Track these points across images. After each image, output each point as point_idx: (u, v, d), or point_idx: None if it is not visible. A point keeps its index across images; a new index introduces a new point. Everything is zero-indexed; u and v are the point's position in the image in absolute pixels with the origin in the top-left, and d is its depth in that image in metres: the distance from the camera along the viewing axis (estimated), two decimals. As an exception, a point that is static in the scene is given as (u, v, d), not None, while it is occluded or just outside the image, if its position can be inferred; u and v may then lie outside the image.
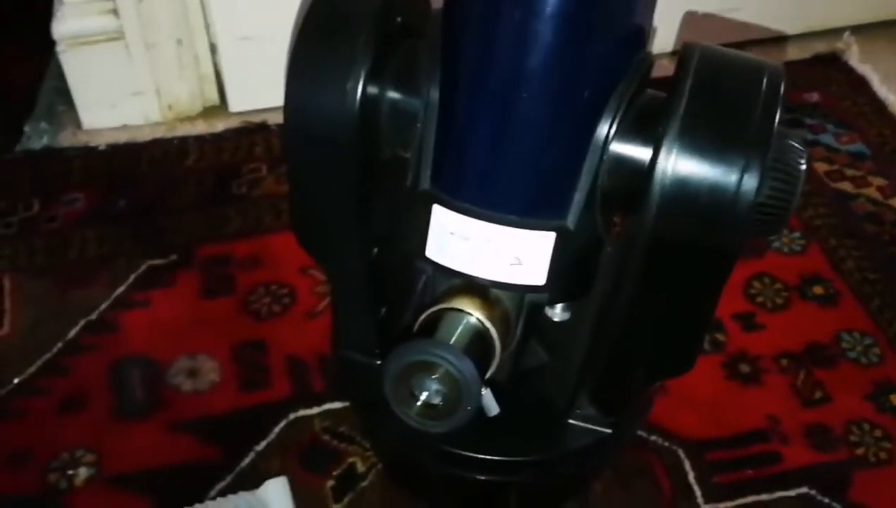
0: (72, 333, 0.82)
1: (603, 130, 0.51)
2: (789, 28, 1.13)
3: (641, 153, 0.51)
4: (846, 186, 0.97)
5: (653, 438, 0.75)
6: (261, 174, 0.97)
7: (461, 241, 0.53)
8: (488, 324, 0.52)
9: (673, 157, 0.48)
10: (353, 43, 0.52)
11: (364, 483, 0.72)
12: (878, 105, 1.06)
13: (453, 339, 0.50)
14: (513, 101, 0.51)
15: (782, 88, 0.49)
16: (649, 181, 0.48)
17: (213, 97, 1.04)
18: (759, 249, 0.90)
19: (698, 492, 0.72)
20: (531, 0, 0.48)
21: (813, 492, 0.72)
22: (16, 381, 0.78)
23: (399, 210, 0.57)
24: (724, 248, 0.50)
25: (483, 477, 0.63)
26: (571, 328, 0.62)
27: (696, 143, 0.48)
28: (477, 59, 0.51)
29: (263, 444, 0.74)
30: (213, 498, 0.69)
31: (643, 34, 0.53)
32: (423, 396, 0.49)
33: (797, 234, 0.91)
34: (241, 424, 0.76)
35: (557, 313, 0.61)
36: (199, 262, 0.88)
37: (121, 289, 0.85)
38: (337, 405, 0.77)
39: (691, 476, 0.72)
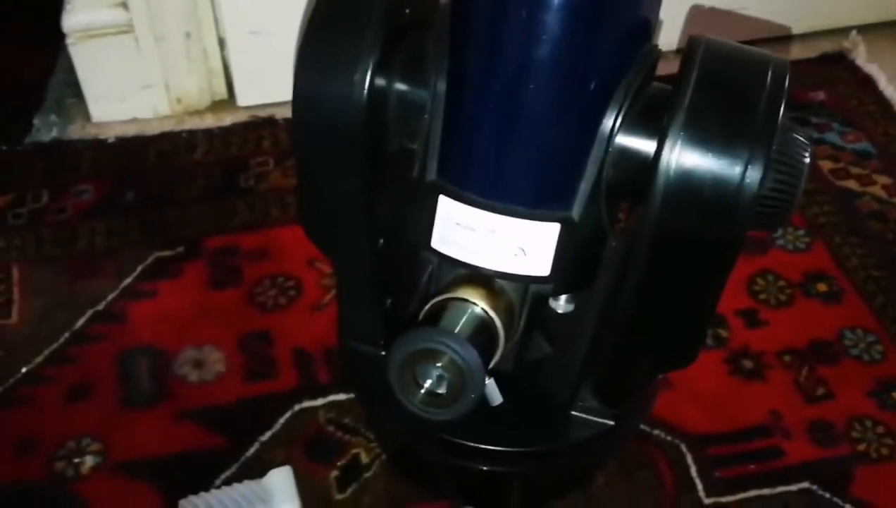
0: (79, 323, 0.83)
1: (608, 121, 0.52)
2: (796, 27, 1.13)
3: (646, 145, 0.51)
4: (851, 185, 0.97)
5: (655, 432, 0.75)
6: (268, 168, 0.98)
7: (466, 231, 0.53)
8: (492, 314, 0.53)
9: (677, 149, 0.48)
10: (361, 35, 0.53)
11: (368, 474, 0.72)
12: (885, 104, 1.06)
13: (458, 328, 0.51)
14: (519, 92, 0.51)
15: (787, 82, 0.50)
16: (653, 173, 0.49)
17: (222, 91, 1.05)
18: (763, 245, 0.90)
19: (700, 486, 0.72)
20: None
21: (814, 487, 0.72)
22: (24, 370, 0.79)
23: (405, 201, 0.58)
24: (727, 240, 0.50)
25: (486, 468, 0.64)
26: (575, 320, 0.63)
27: (701, 135, 0.48)
28: (484, 51, 0.52)
29: (268, 434, 0.75)
30: (218, 487, 0.69)
31: (649, 27, 0.54)
32: (427, 384, 0.49)
33: (801, 231, 0.91)
34: (246, 414, 0.76)
35: (561, 304, 0.62)
36: (207, 254, 0.89)
37: (128, 280, 0.86)
38: (342, 396, 0.77)
39: (693, 470, 0.73)
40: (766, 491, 0.72)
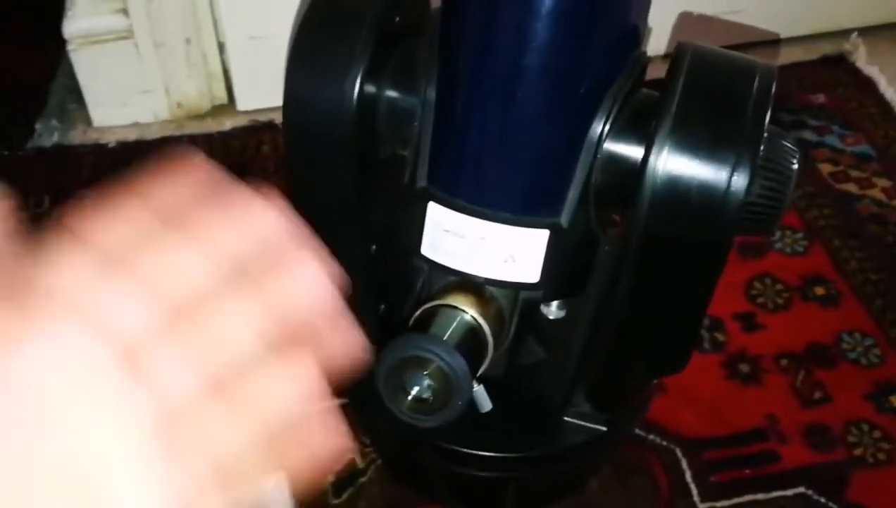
0: (79, 327, 0.83)
1: (597, 128, 0.52)
2: (796, 29, 1.13)
3: (634, 151, 0.51)
4: (851, 188, 0.97)
5: (651, 436, 0.75)
6: (268, 172, 0.98)
7: (456, 238, 0.54)
8: (482, 321, 0.53)
9: (664, 155, 0.48)
10: (351, 42, 0.53)
11: (363, 479, 0.72)
12: (885, 107, 1.05)
13: (446, 335, 0.51)
14: (508, 100, 0.51)
15: (773, 88, 0.50)
16: (641, 179, 0.49)
17: (222, 96, 1.05)
18: (761, 249, 0.90)
19: (695, 491, 0.72)
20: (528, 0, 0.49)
21: (810, 492, 0.72)
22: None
23: (397, 207, 0.58)
24: (714, 245, 0.50)
25: (480, 473, 0.64)
26: (568, 326, 0.63)
27: (687, 141, 0.48)
28: (473, 58, 0.52)
29: (265, 438, 0.75)
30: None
31: (638, 34, 0.54)
32: (415, 391, 0.50)
33: (800, 234, 0.91)
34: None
35: (553, 310, 0.62)
36: (206, 258, 0.89)
37: (128, 284, 0.87)
38: (339, 400, 0.77)
39: (688, 475, 0.73)
40: (760, 496, 0.72)
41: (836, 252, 0.90)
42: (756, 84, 0.50)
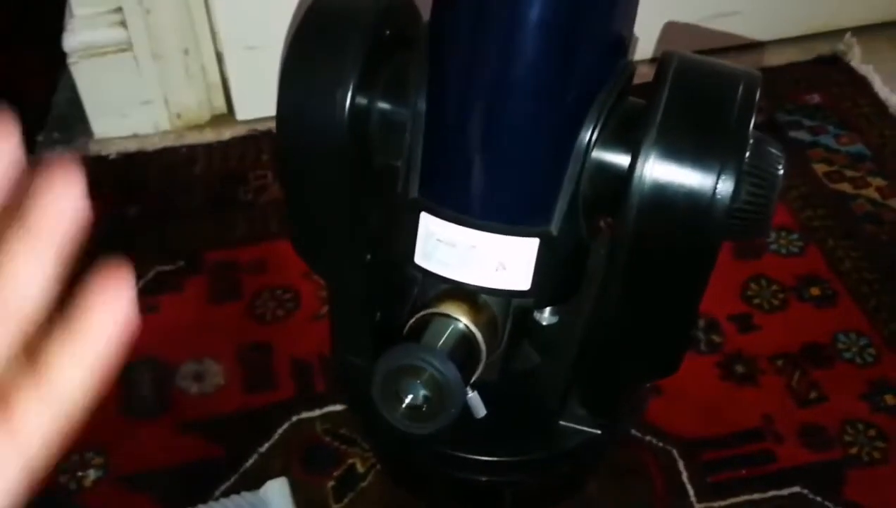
0: (82, 338, 0.84)
1: (585, 137, 0.53)
2: (790, 29, 1.14)
3: (622, 159, 0.52)
4: (845, 187, 0.97)
5: (647, 437, 0.76)
6: (267, 181, 0.99)
7: (448, 247, 0.55)
8: (474, 329, 0.54)
9: (650, 163, 0.49)
10: (342, 55, 0.54)
11: (364, 484, 0.73)
12: (880, 106, 1.06)
13: (439, 344, 0.52)
14: (496, 111, 0.52)
15: (758, 95, 0.50)
16: (628, 187, 0.49)
17: (221, 106, 1.06)
18: (757, 250, 0.90)
19: (692, 491, 0.73)
20: (514, 12, 0.50)
21: (805, 491, 0.73)
22: (28, 385, 0.80)
23: (390, 217, 0.59)
24: (701, 251, 0.51)
25: (477, 478, 0.65)
26: (561, 331, 0.64)
27: (673, 149, 0.49)
28: (461, 70, 0.53)
29: (266, 445, 0.76)
30: (217, 499, 0.71)
31: (624, 43, 0.54)
32: (409, 399, 0.51)
33: (795, 235, 0.92)
34: (245, 426, 0.78)
35: (546, 316, 0.63)
36: (207, 267, 0.90)
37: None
38: (338, 407, 0.78)
39: (685, 476, 0.74)
40: (757, 496, 0.73)
41: (831, 252, 0.91)
42: (740, 91, 0.50)
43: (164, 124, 1.05)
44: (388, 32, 0.57)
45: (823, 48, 1.14)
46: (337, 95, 0.54)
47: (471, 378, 0.53)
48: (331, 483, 0.73)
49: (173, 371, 0.82)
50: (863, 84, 1.09)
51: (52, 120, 1.06)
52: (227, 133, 1.05)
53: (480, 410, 0.56)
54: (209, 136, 1.05)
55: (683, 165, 0.49)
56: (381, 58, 0.56)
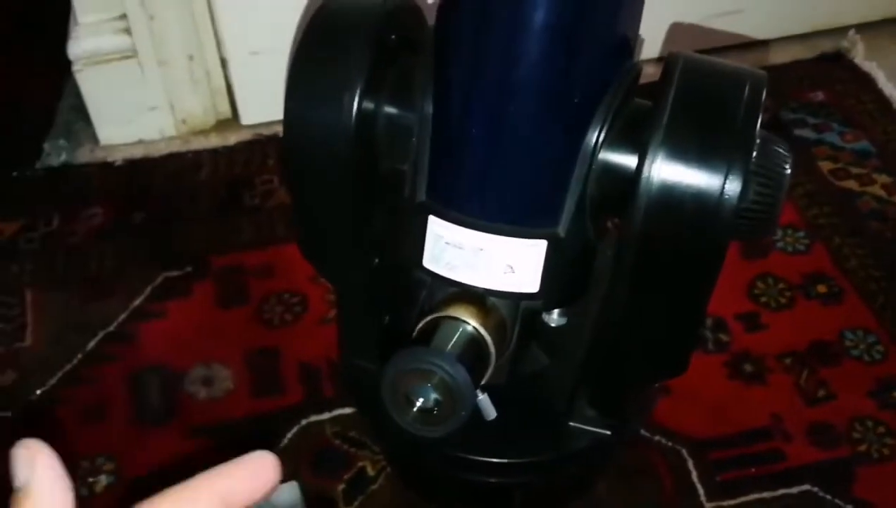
0: (91, 344, 0.85)
1: (591, 139, 0.53)
2: (794, 27, 1.14)
3: (628, 161, 0.52)
4: (851, 185, 0.97)
5: (656, 437, 0.76)
6: (273, 186, 0.99)
7: (456, 250, 0.55)
8: (483, 332, 0.54)
9: (657, 164, 0.49)
10: (349, 60, 0.54)
11: (374, 487, 0.74)
12: (884, 103, 1.06)
13: (448, 347, 0.52)
14: (503, 114, 0.52)
15: (764, 95, 0.50)
16: (635, 188, 0.50)
17: (226, 111, 1.07)
18: (763, 249, 0.91)
19: (701, 491, 0.73)
20: (519, 15, 0.50)
21: (815, 489, 0.73)
22: (38, 392, 0.81)
23: (398, 221, 0.59)
24: (709, 251, 0.51)
25: (487, 479, 0.65)
26: (569, 333, 0.64)
27: (680, 150, 0.49)
28: (467, 74, 0.53)
29: (276, 449, 0.76)
30: (228, 503, 0.71)
31: (629, 45, 0.55)
32: (419, 402, 0.51)
33: (801, 233, 0.92)
34: (254, 430, 0.78)
35: (554, 318, 0.63)
36: (214, 272, 0.91)
37: (138, 300, 0.88)
38: (347, 410, 0.79)
39: (694, 475, 0.74)
40: (766, 494, 0.73)
41: (837, 250, 0.91)
42: (747, 91, 0.51)
43: (170, 130, 1.05)
44: (393, 37, 0.57)
45: (827, 45, 1.14)
46: (344, 100, 0.54)
47: (481, 381, 0.53)
48: (341, 487, 0.74)
49: (182, 377, 0.82)
50: (867, 81, 1.08)
51: (58, 127, 1.06)
52: (232, 138, 1.05)
53: (491, 412, 0.56)
54: (214, 141, 1.05)
55: (690, 166, 0.49)
56: (387, 62, 0.56)
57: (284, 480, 0.75)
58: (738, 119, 0.50)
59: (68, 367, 0.83)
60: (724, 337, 0.83)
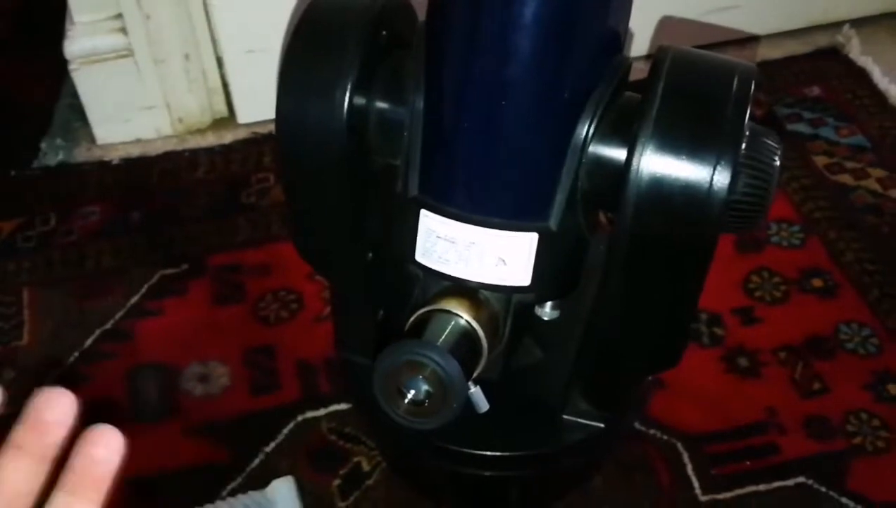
0: (88, 342, 0.85)
1: (582, 132, 0.53)
2: (789, 22, 1.14)
3: (619, 154, 0.52)
4: (846, 179, 0.97)
5: (651, 431, 0.76)
6: (269, 184, 1.00)
7: (448, 244, 0.55)
8: (475, 325, 0.54)
9: (647, 156, 0.49)
10: (340, 56, 0.55)
11: (369, 482, 0.74)
12: (879, 97, 1.06)
13: (440, 340, 0.52)
14: (493, 108, 0.52)
15: (753, 87, 0.51)
16: (625, 181, 0.50)
17: (222, 109, 1.07)
18: (759, 243, 0.91)
19: (697, 484, 0.73)
20: (509, 10, 0.50)
21: (810, 482, 0.73)
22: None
23: (390, 216, 0.59)
24: (700, 243, 0.51)
25: (482, 473, 0.65)
26: (562, 326, 0.64)
27: (669, 142, 0.49)
28: (457, 69, 0.53)
29: (272, 445, 0.76)
30: (224, 498, 0.71)
31: (619, 39, 0.55)
32: (411, 394, 0.51)
33: (796, 227, 0.92)
34: (251, 426, 0.78)
35: (547, 311, 0.63)
36: (211, 270, 0.91)
37: (135, 298, 0.88)
38: (343, 406, 0.79)
39: (690, 469, 0.74)
40: (762, 487, 0.73)
41: (832, 244, 0.91)
42: (735, 84, 0.51)
43: (166, 129, 1.05)
44: (384, 33, 0.57)
45: (822, 41, 1.14)
46: (335, 96, 0.54)
47: (473, 374, 0.54)
48: (336, 482, 0.74)
49: (178, 374, 0.82)
50: (862, 76, 1.09)
51: (55, 126, 1.07)
52: (228, 137, 1.05)
53: (483, 405, 0.56)
54: (211, 140, 1.05)
55: (680, 158, 0.49)
56: (378, 58, 0.56)
57: (280, 476, 0.75)
58: (727, 111, 0.50)
59: (65, 365, 0.83)
60: (719, 331, 0.83)
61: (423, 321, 0.54)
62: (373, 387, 0.52)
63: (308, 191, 0.59)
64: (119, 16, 0.97)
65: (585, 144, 0.53)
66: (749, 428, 0.77)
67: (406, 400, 0.51)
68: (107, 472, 0.33)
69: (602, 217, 0.63)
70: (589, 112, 0.53)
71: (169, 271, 0.91)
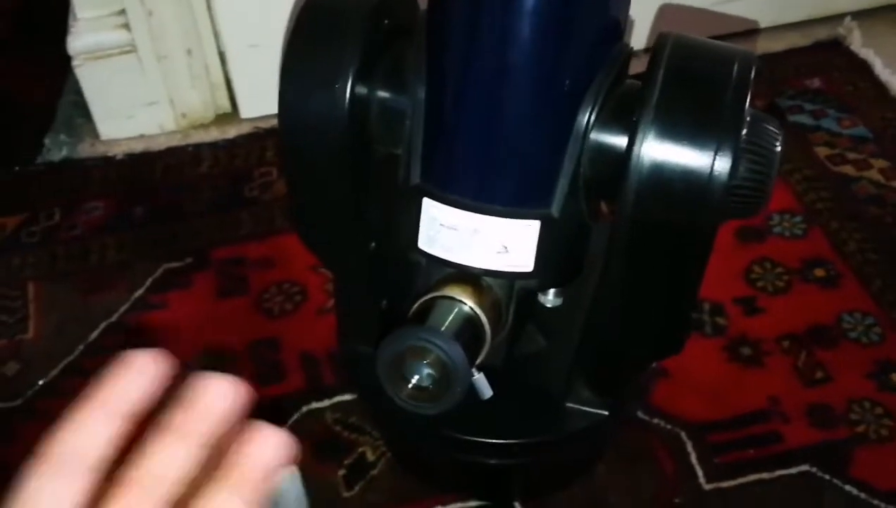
0: (93, 335, 0.85)
1: (583, 119, 0.53)
2: (790, 15, 1.14)
3: (619, 141, 0.53)
4: (848, 170, 0.98)
5: (655, 420, 0.76)
6: (272, 178, 1.00)
7: (451, 232, 0.55)
8: (478, 311, 0.54)
9: (647, 143, 0.50)
10: (341, 46, 0.55)
11: (374, 472, 0.74)
12: (880, 89, 1.06)
13: (444, 326, 0.53)
14: (494, 96, 0.53)
15: (753, 74, 0.51)
16: (626, 167, 0.50)
17: (225, 104, 1.07)
18: (761, 233, 0.91)
19: (700, 473, 0.73)
20: (509, -2, 0.50)
21: (814, 470, 0.73)
22: (41, 383, 0.82)
23: (393, 205, 0.59)
24: (701, 229, 0.52)
25: (486, 460, 0.65)
26: (565, 314, 0.64)
27: (670, 128, 0.50)
28: (459, 57, 0.53)
29: (277, 437, 0.77)
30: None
31: (620, 27, 0.55)
32: (415, 379, 0.51)
33: (798, 218, 0.92)
34: (256, 418, 0.78)
35: (550, 299, 0.63)
36: (214, 264, 0.91)
37: (139, 292, 0.89)
38: (347, 397, 0.79)
39: (693, 457, 0.74)
40: (765, 476, 0.73)
41: (834, 234, 0.91)
42: (735, 70, 0.51)
43: (170, 124, 1.06)
44: (385, 22, 0.58)
45: (823, 33, 1.14)
46: (337, 86, 0.54)
47: (476, 359, 0.54)
48: (342, 472, 0.74)
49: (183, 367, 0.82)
50: (863, 67, 1.09)
51: (59, 122, 1.07)
52: (231, 132, 1.06)
53: (486, 391, 0.56)
54: (214, 135, 1.06)
55: (681, 144, 0.50)
56: (379, 48, 0.57)
57: (286, 466, 0.75)
58: (728, 97, 0.50)
59: (70, 358, 0.83)
60: (721, 321, 0.84)
61: (427, 308, 0.54)
62: (377, 372, 0.52)
63: (310, 181, 0.59)
64: (122, 12, 0.98)
65: (587, 131, 0.53)
66: (752, 417, 0.77)
67: (410, 385, 0.51)
68: (270, 475, 0.31)
69: (603, 206, 0.63)
70: (590, 99, 0.53)
71: (173, 264, 0.91)
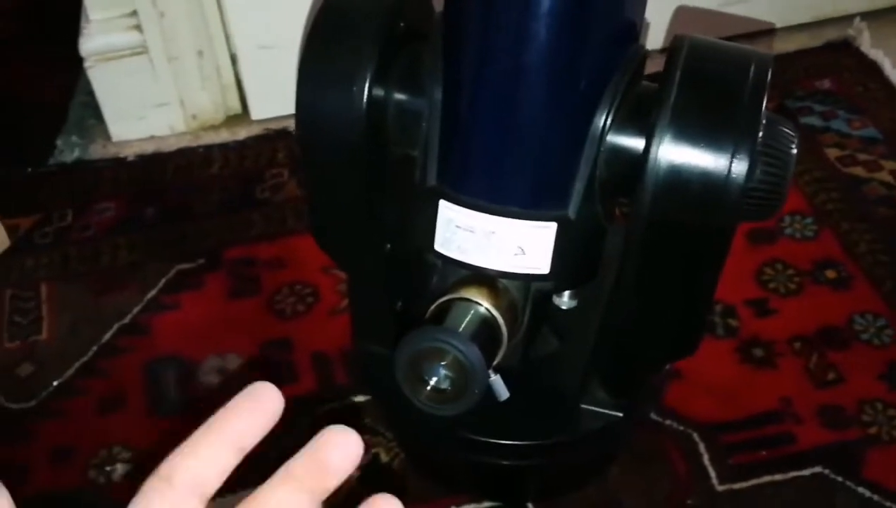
0: (106, 336, 0.85)
1: (599, 121, 0.53)
2: (800, 16, 1.14)
3: (636, 143, 0.53)
4: (858, 171, 0.98)
5: (668, 422, 0.76)
6: (283, 179, 1.00)
7: (467, 233, 0.55)
8: (495, 313, 0.54)
9: (664, 145, 0.50)
10: (358, 48, 0.55)
11: (388, 473, 0.74)
12: (890, 90, 1.06)
13: (461, 327, 0.53)
14: (511, 98, 0.53)
15: (769, 76, 0.51)
16: (643, 169, 0.50)
17: (236, 106, 1.08)
18: (772, 235, 0.91)
19: (713, 474, 0.73)
20: (526, 0, 0.50)
21: (826, 471, 0.73)
22: (55, 383, 0.82)
23: (409, 207, 0.60)
24: (717, 232, 0.52)
25: (499, 461, 0.65)
26: (581, 315, 0.64)
27: (686, 130, 0.50)
28: (475, 59, 0.54)
29: (289, 438, 0.77)
30: (238, 492, 0.72)
31: (635, 29, 0.55)
32: (433, 381, 0.51)
33: (809, 219, 0.92)
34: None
35: (565, 300, 0.63)
36: (226, 265, 0.92)
37: (152, 293, 0.89)
38: (360, 398, 0.79)
39: (706, 459, 0.74)
40: (778, 477, 0.73)
41: (845, 236, 0.91)
42: (752, 72, 0.51)
43: (181, 126, 1.06)
44: (402, 25, 0.58)
45: (833, 34, 1.14)
46: (354, 88, 0.55)
47: (493, 361, 0.54)
48: (355, 474, 0.74)
49: (196, 367, 0.83)
50: (873, 69, 1.09)
51: (70, 124, 1.07)
52: (242, 133, 1.06)
53: (503, 393, 0.57)
54: (225, 136, 1.06)
55: (697, 147, 0.50)
56: (396, 50, 0.57)
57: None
58: (744, 99, 0.50)
59: (84, 359, 0.84)
60: (733, 323, 0.84)
61: (444, 310, 0.54)
62: (394, 373, 0.52)
63: (326, 182, 0.59)
64: (134, 13, 0.98)
65: (603, 133, 0.53)
66: (764, 418, 0.77)
67: (428, 387, 0.52)
68: (343, 478, 0.32)
69: (617, 210, 0.63)
70: (606, 101, 0.53)
71: (185, 265, 0.91)
